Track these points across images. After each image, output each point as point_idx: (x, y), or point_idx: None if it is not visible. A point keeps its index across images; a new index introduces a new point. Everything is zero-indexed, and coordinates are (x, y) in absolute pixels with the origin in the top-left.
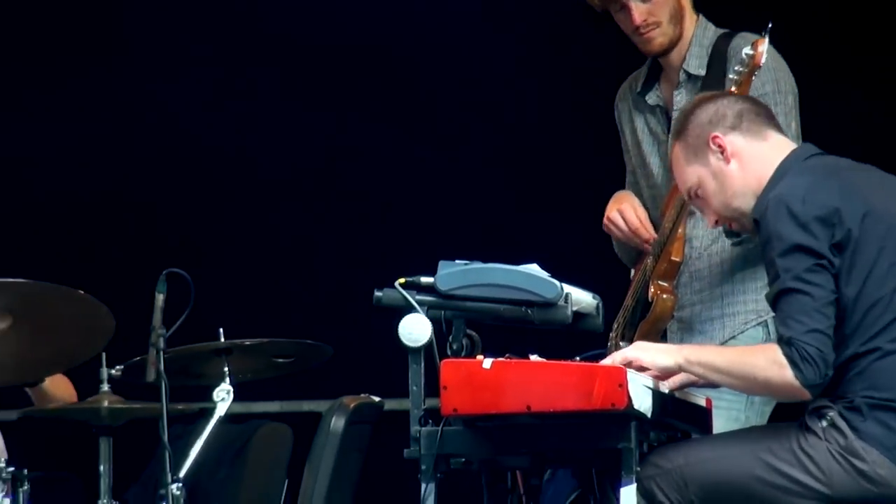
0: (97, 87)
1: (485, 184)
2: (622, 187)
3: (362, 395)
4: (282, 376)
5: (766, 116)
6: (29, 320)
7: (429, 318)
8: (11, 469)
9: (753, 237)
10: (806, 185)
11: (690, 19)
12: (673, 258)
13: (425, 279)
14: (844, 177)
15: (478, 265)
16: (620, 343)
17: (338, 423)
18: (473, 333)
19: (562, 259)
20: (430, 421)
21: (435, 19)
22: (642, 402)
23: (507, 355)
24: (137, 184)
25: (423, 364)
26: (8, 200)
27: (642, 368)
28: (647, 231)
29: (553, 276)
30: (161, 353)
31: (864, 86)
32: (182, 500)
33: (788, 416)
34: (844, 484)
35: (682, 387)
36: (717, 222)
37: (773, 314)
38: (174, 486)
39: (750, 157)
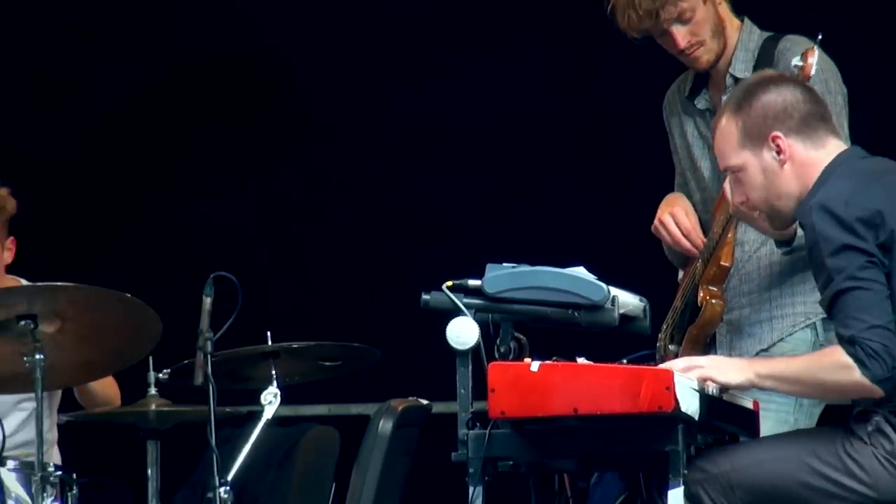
0: None
1: (532, 186)
2: (670, 189)
3: (410, 398)
4: (329, 379)
5: (826, 119)
6: (77, 324)
7: (476, 320)
8: (59, 473)
9: (776, 236)
10: (849, 190)
11: (732, 26)
12: (722, 263)
13: (473, 282)
14: (888, 181)
15: (525, 268)
16: (669, 346)
17: (386, 426)
18: (521, 336)
19: (609, 261)
20: (478, 424)
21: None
22: (689, 404)
23: (554, 358)
24: (185, 188)
25: (470, 367)
26: (55, 204)
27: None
28: (697, 237)
29: (600, 278)
30: (209, 356)
31: None
32: None
33: (837, 417)
34: (890, 488)
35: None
36: (743, 203)
37: (821, 316)
38: (222, 490)
39: (804, 165)
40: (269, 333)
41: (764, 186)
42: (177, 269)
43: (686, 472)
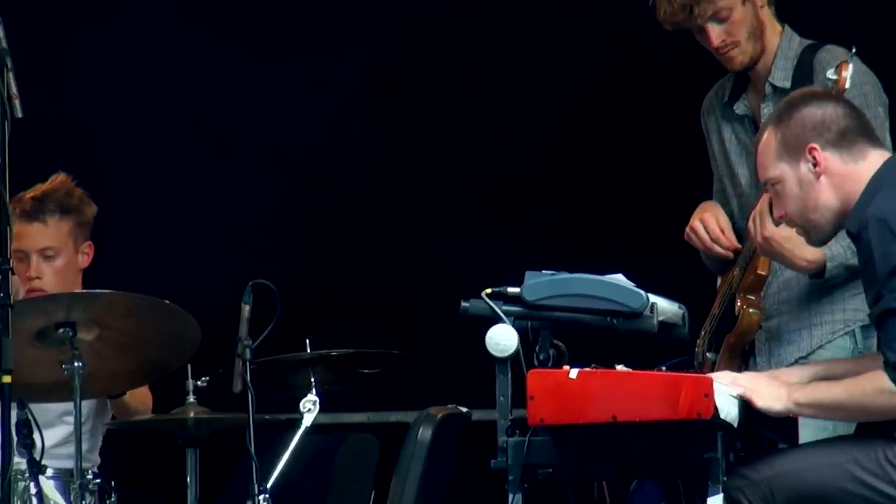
0: None
1: (569, 192)
2: (709, 195)
3: (449, 405)
4: (369, 387)
5: (867, 133)
6: (116, 331)
7: (515, 328)
8: (98, 481)
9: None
10: None
11: (774, 31)
12: (759, 272)
13: (512, 289)
14: None
15: (564, 275)
16: (707, 354)
17: (425, 433)
18: (560, 343)
19: (648, 269)
20: (517, 431)
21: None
22: (728, 411)
23: (592, 365)
24: (223, 195)
25: (510, 374)
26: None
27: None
28: (729, 240)
29: (639, 285)
30: (248, 364)
31: None
32: None
33: (877, 423)
34: None
35: None
36: (782, 217)
37: (860, 323)
38: (261, 498)
39: (841, 178)
40: (307, 341)
41: (800, 198)
42: (216, 276)
43: (726, 478)
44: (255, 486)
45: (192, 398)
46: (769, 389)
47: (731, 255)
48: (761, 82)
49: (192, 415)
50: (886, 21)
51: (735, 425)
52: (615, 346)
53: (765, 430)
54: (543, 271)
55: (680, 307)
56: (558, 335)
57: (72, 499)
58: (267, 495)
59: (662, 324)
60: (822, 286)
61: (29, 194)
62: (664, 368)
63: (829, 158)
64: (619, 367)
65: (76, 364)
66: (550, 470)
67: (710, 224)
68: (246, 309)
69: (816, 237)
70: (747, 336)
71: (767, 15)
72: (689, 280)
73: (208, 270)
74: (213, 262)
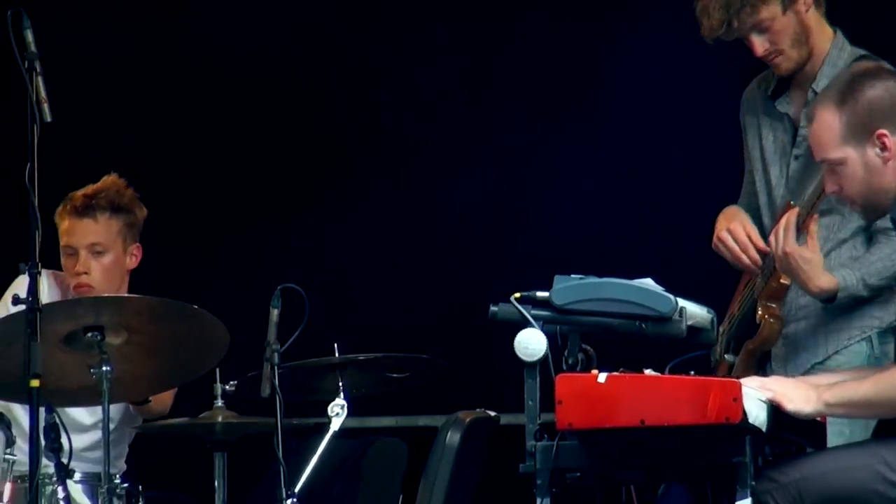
0: None
1: (599, 197)
2: (735, 199)
3: (478, 409)
4: (397, 391)
5: None
6: (144, 336)
7: (544, 332)
8: (126, 485)
9: (867, 220)
10: None
11: (823, 34)
12: (782, 281)
13: (541, 294)
14: None
15: (593, 279)
16: (725, 356)
17: (453, 437)
18: (589, 348)
19: (677, 273)
20: (546, 435)
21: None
22: (757, 415)
23: (620, 369)
24: (249, 201)
25: (538, 378)
26: None
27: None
28: (755, 252)
29: (668, 290)
30: (276, 368)
31: None
32: None
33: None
34: None
35: None
36: (835, 193)
37: (877, 329)
38: (289, 502)
39: None
40: (336, 345)
41: (865, 181)
42: (244, 281)
43: (755, 482)
44: (283, 491)
45: (220, 402)
46: (798, 392)
47: (757, 269)
48: (806, 84)
49: (220, 419)
50: None
51: (764, 430)
52: (639, 350)
53: (793, 434)
54: (572, 275)
55: (709, 311)
56: (587, 339)
57: (99, 503)
58: (295, 499)
59: (691, 328)
60: None
61: (81, 192)
62: (693, 373)
63: None
64: (648, 372)
65: (104, 368)
66: (578, 474)
67: (738, 234)
68: (274, 313)
69: (874, 216)
70: (767, 345)
71: (815, 18)
72: (718, 284)
73: (237, 274)
74: (242, 265)
